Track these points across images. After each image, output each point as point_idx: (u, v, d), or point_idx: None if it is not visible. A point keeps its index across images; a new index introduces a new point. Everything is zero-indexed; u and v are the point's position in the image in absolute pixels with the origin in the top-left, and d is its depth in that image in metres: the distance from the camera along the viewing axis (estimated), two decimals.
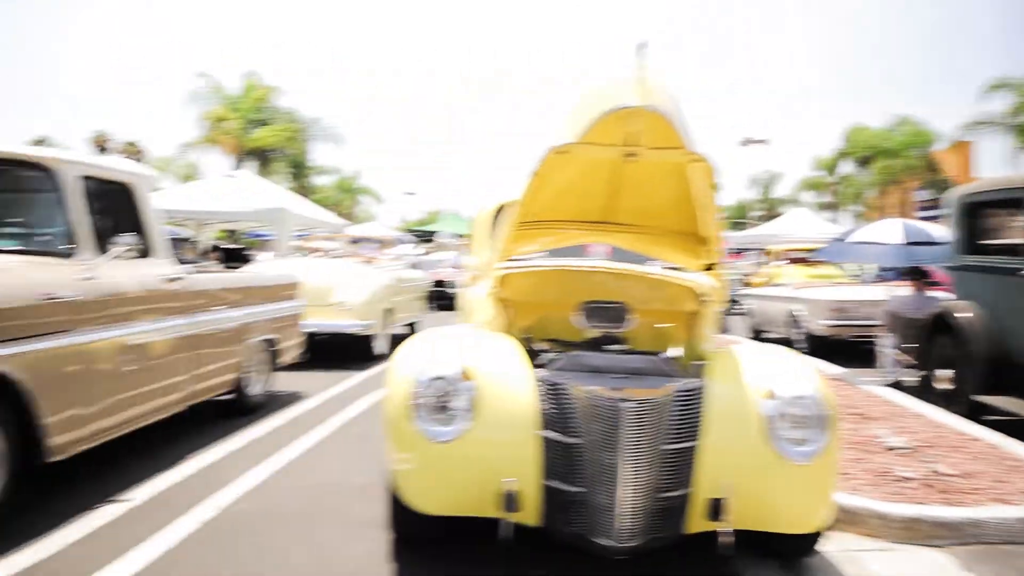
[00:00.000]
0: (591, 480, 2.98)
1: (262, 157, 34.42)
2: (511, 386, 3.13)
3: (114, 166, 4.79)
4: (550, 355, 3.66)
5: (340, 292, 9.40)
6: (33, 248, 4.15)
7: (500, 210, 4.92)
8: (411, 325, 12.57)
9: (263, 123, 34.37)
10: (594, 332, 4.07)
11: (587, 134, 3.10)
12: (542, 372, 3.21)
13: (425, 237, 32.17)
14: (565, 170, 3.57)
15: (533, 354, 3.49)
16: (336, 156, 71.64)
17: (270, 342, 6.61)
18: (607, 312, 4.05)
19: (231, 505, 4.13)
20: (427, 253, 24.56)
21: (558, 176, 3.60)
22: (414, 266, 16.36)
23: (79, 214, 4.22)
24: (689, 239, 4.27)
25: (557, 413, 3.05)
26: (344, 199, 45.29)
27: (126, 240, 4.32)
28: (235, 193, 14.34)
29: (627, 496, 2.95)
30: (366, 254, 14.47)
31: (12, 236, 4.35)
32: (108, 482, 4.36)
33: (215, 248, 11.95)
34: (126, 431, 4.54)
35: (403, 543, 3.58)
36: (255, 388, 6.41)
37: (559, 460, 3.02)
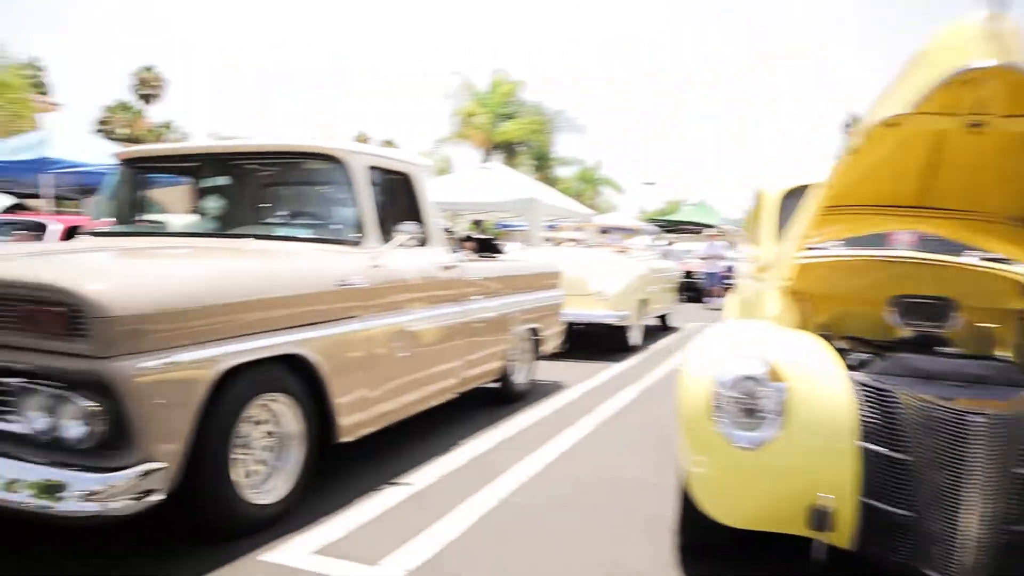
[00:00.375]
0: (923, 503, 2.58)
1: (508, 150, 35.36)
2: (826, 389, 2.78)
3: (396, 156, 4.92)
4: (861, 356, 3.26)
5: (596, 282, 9.29)
6: (325, 237, 4.32)
7: (788, 194, 4.51)
8: (663, 317, 12.28)
9: (510, 117, 35.27)
10: (907, 331, 3.60)
11: (925, 102, 2.67)
12: (860, 375, 2.84)
13: (669, 227, 31.56)
14: (884, 146, 3.15)
15: (839, 354, 3.11)
16: (578, 147, 72.22)
17: (534, 331, 6.60)
18: (927, 309, 3.56)
19: (509, 496, 4.08)
20: (670, 243, 24.05)
21: (874, 154, 3.18)
22: (664, 256, 16.00)
23: (367, 203, 4.34)
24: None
25: (881, 423, 2.67)
26: (585, 189, 45.53)
27: (409, 228, 4.40)
28: (488, 184, 14.71)
29: (970, 525, 2.51)
30: (615, 244, 14.32)
31: (306, 225, 4.55)
32: (389, 465, 4.47)
33: (468, 238, 12.29)
34: (406, 415, 4.64)
35: (694, 551, 3.34)
36: (519, 377, 6.43)
37: (882, 477, 2.64)
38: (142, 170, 5.11)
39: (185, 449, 3.01)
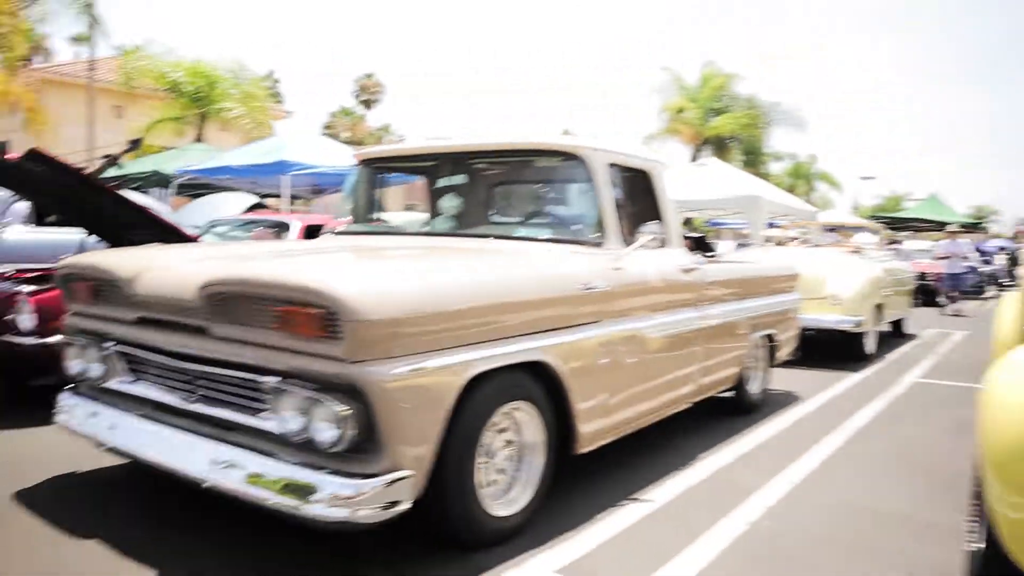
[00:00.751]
0: None
1: (719, 144, 34.18)
2: None
3: (636, 153, 4.66)
4: None
5: (830, 285, 8.62)
6: (565, 237, 4.14)
7: None
8: (896, 323, 11.26)
9: (721, 111, 34.09)
10: None
11: None
12: None
13: (894, 224, 29.35)
14: None
15: None
16: (793, 141, 68.91)
17: (770, 336, 6.14)
18: None
19: (759, 520, 3.72)
20: (899, 242, 22.29)
21: None
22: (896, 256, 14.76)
23: (608, 202, 4.12)
24: None
25: None
26: (797, 185, 43.37)
27: (651, 229, 4.14)
28: (705, 181, 14.17)
29: None
30: (843, 243, 13.36)
31: (545, 225, 4.40)
32: (626, 480, 4.22)
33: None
34: (643, 424, 4.38)
35: None
36: (754, 385, 6.01)
37: None
38: (378, 170, 5.16)
39: (432, 457, 2.91)
